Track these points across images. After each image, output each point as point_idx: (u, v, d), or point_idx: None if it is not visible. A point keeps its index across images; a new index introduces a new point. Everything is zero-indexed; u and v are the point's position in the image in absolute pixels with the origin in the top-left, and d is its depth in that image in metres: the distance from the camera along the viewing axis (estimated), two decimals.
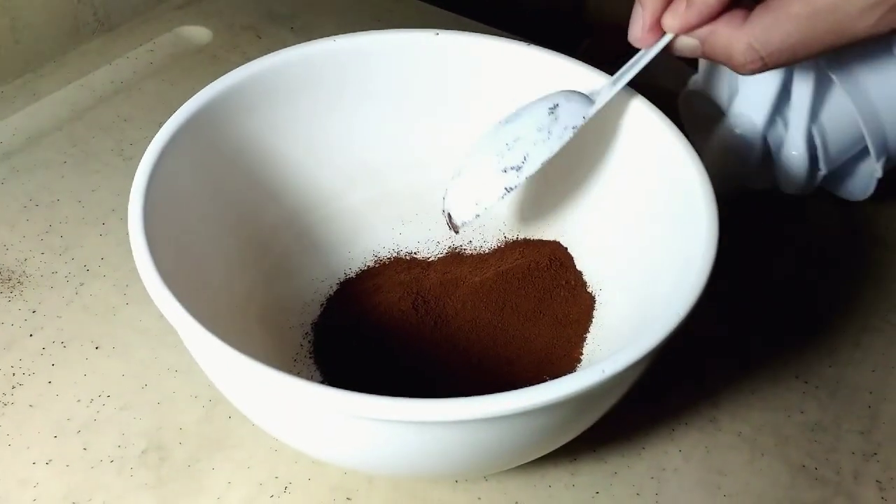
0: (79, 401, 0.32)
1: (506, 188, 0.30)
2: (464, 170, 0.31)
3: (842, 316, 0.36)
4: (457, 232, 0.31)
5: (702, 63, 0.40)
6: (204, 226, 0.30)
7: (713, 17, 0.28)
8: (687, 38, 0.29)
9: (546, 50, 0.33)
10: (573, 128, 0.29)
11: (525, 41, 0.34)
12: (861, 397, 0.33)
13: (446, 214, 0.31)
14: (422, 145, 0.36)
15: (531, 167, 0.30)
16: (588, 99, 0.30)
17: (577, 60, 0.33)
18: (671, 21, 0.28)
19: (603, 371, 0.21)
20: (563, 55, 0.33)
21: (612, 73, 0.31)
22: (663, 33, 0.29)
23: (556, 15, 0.72)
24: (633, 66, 0.30)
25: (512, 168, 0.30)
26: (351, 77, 0.34)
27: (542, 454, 0.27)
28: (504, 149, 0.30)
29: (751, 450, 0.31)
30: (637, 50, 0.30)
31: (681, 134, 0.29)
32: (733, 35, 0.27)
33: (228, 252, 0.31)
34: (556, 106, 0.30)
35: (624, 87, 0.31)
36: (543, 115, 0.30)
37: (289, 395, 0.22)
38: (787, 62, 0.27)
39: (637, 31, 0.29)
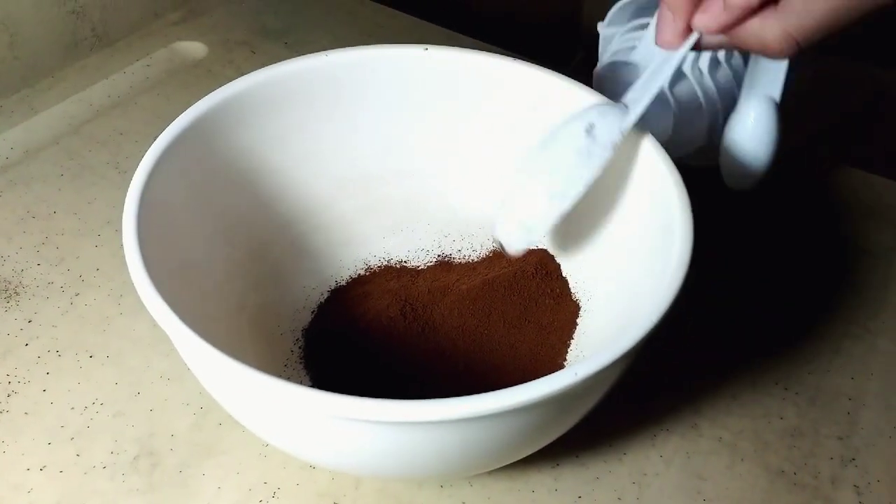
0: (72, 408, 0.32)
1: (557, 214, 0.30)
2: (510, 199, 0.31)
3: (822, 323, 0.37)
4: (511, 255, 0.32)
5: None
6: (197, 234, 0.31)
7: (750, 16, 0.27)
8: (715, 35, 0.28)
9: (530, 64, 0.34)
10: (612, 144, 0.30)
11: (512, 55, 0.35)
12: (840, 403, 0.34)
13: (498, 244, 0.32)
14: (411, 156, 0.37)
15: (575, 190, 0.30)
16: (622, 108, 0.30)
17: (560, 74, 0.34)
18: (707, 21, 0.28)
19: (576, 374, 0.22)
20: (547, 69, 0.34)
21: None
22: (691, 33, 0.29)
23: (550, 28, 0.73)
24: (659, 70, 0.30)
25: (557, 194, 0.30)
26: (342, 90, 0.35)
27: (524, 456, 0.27)
28: (546, 176, 0.30)
29: (731, 455, 0.32)
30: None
31: (662, 151, 0.30)
32: (766, 25, 0.27)
33: (221, 260, 0.32)
34: (591, 126, 0.30)
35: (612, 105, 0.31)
36: (581, 137, 0.30)
37: (278, 399, 0.23)
38: (819, 40, 0.27)
39: (668, 35, 0.29)
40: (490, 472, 0.31)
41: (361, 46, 0.35)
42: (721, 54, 0.39)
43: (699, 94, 0.39)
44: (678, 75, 0.39)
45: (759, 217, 0.42)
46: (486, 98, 0.35)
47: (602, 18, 0.44)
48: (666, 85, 0.35)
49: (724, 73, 0.40)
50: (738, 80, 0.39)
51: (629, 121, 0.30)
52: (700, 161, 0.40)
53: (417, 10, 0.57)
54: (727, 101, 0.40)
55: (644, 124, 0.31)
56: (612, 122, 0.30)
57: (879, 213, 0.43)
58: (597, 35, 0.44)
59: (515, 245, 0.32)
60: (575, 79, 0.33)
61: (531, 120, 0.35)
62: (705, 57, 0.39)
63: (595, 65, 0.43)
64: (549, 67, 0.34)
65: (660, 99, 0.38)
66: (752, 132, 0.38)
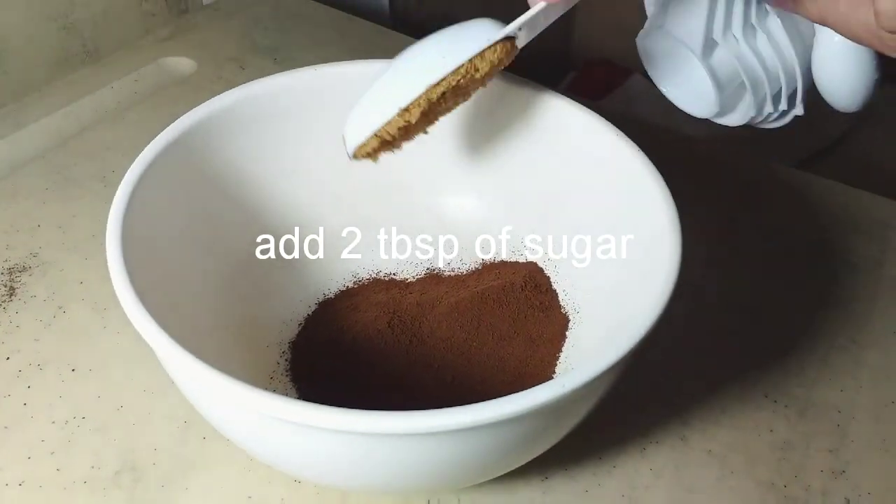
0: (53, 422, 0.32)
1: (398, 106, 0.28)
2: (360, 99, 0.29)
3: (810, 336, 0.37)
4: (354, 158, 0.30)
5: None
6: (182, 247, 0.31)
7: None
8: None
9: (523, 80, 0.34)
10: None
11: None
12: (829, 416, 0.34)
13: (344, 142, 0.30)
14: (401, 169, 0.37)
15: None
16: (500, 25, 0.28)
17: (553, 91, 0.34)
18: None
19: (564, 385, 0.22)
20: (538, 85, 0.34)
21: (594, 107, 0.31)
22: None
23: (542, 51, 0.74)
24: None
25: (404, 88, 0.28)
26: (330, 104, 0.35)
27: (513, 468, 0.27)
28: (398, 76, 0.29)
29: (720, 467, 0.32)
30: None
31: (653, 167, 0.30)
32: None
33: (207, 272, 0.32)
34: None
35: (603, 122, 0.31)
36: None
37: (263, 411, 0.22)
38: None
39: None
40: (478, 486, 0.30)
41: (350, 61, 0.35)
42: (754, 16, 0.33)
43: (737, 65, 0.33)
44: (710, 44, 0.33)
45: (748, 230, 0.42)
46: (477, 113, 0.36)
47: (594, 45, 0.41)
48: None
49: (762, 40, 0.33)
50: (775, 46, 0.33)
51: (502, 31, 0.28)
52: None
53: (407, 28, 0.57)
54: (771, 73, 0.33)
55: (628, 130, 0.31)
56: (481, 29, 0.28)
57: (867, 228, 0.43)
58: (587, 57, 0.43)
59: (353, 140, 0.29)
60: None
61: (523, 135, 0.35)
62: (737, 21, 0.32)
63: (586, 84, 0.43)
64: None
65: (697, 78, 0.33)
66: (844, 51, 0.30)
